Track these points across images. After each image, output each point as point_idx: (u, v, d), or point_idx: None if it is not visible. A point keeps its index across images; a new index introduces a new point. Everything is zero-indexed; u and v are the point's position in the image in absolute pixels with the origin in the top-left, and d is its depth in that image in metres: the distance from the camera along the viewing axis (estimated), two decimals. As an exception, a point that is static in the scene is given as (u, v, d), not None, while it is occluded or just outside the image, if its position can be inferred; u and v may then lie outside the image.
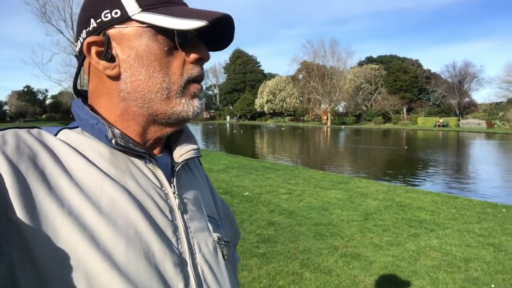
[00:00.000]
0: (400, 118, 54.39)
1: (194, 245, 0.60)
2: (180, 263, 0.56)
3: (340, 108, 62.33)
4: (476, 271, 3.68)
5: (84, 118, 0.59)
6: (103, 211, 0.51)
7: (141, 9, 0.57)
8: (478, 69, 61.82)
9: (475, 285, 3.37)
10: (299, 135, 35.49)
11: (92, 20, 0.59)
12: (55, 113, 63.24)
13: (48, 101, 68.51)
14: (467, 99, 53.82)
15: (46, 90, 69.06)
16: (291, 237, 4.62)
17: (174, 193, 0.62)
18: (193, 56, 0.60)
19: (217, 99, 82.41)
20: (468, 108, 52.72)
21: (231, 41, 0.65)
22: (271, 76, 72.91)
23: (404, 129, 45.01)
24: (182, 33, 0.58)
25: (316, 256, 4.02)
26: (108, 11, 0.58)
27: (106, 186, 0.54)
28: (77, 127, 0.61)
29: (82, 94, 0.66)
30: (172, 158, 0.68)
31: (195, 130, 38.87)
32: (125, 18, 0.57)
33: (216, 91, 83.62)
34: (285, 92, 62.19)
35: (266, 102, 62.97)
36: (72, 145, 0.56)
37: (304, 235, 4.68)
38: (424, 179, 10.64)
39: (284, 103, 62.37)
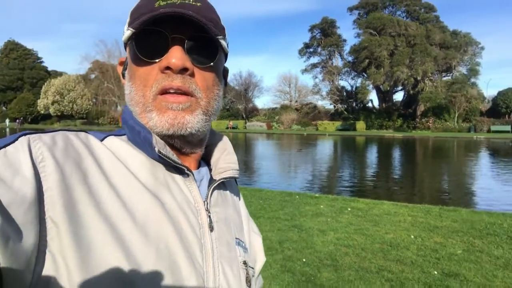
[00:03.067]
0: (197, 121, 57.72)
1: (218, 266, 0.59)
2: (203, 282, 0.55)
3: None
4: (289, 250, 4.36)
5: (131, 125, 0.59)
6: (137, 222, 0.51)
7: (128, 26, 0.57)
8: (259, 79, 71.88)
9: (291, 262, 3.99)
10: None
11: None
12: None
13: None
14: (251, 105, 61.73)
15: None
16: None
17: (206, 210, 0.61)
18: (160, 65, 0.56)
19: (-16, 98, 67.20)
20: (252, 112, 60.64)
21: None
22: (57, 74, 64.55)
23: (201, 131, 48.00)
24: (138, 43, 0.56)
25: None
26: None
27: (142, 196, 0.53)
28: (123, 134, 0.61)
29: None
30: (210, 175, 0.67)
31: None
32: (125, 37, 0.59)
33: (-19, 88, 68.03)
34: (75, 92, 56.07)
35: (52, 104, 55.11)
36: (115, 152, 0.56)
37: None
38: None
39: (75, 105, 56.30)
